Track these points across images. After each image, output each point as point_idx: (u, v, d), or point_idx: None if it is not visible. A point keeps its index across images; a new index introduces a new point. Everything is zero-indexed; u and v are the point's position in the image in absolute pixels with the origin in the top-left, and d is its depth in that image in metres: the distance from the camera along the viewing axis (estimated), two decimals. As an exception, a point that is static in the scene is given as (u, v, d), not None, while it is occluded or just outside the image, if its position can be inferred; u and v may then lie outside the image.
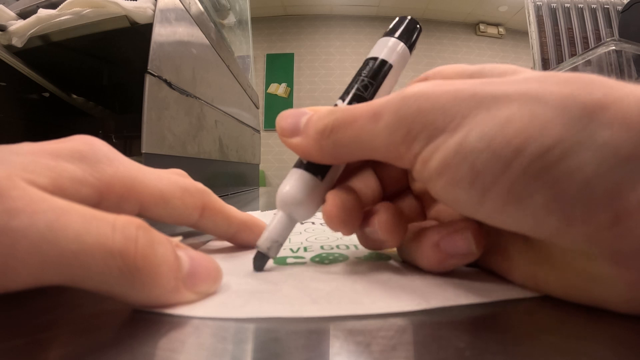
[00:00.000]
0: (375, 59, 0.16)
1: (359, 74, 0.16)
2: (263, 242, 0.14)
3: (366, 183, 0.16)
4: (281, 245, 0.14)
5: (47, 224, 0.09)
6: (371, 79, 0.15)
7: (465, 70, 0.13)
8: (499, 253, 0.13)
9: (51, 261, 0.09)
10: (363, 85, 0.15)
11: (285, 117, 0.14)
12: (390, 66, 0.16)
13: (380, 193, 0.16)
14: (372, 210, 0.14)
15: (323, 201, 0.14)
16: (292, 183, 0.14)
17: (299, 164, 0.15)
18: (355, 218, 0.14)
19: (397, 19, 0.17)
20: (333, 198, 0.14)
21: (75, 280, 0.09)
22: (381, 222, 0.14)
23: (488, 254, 0.13)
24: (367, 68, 0.16)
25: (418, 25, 0.17)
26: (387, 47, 0.16)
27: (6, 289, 0.09)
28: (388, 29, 0.17)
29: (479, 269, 0.14)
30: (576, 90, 0.10)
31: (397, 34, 0.16)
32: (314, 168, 0.14)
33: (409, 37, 0.16)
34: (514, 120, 0.10)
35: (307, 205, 0.14)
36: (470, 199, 0.10)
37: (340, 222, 0.14)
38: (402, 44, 0.16)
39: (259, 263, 0.14)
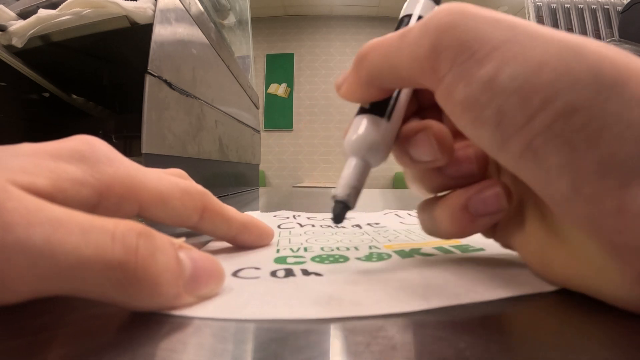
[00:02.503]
0: (409, 15, 0.16)
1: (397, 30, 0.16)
2: (341, 190, 0.13)
3: None
4: (360, 192, 0.14)
5: (44, 238, 0.08)
6: None
7: None
8: (515, 226, 0.13)
9: (49, 275, 0.08)
10: None
11: (339, 76, 0.15)
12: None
13: None
14: (458, 146, 0.14)
15: (391, 140, 0.14)
16: (363, 127, 0.14)
17: (362, 110, 0.14)
18: (453, 145, 0.14)
19: None
20: (436, 124, 0.13)
21: (74, 291, 0.09)
22: (478, 155, 0.14)
23: (506, 226, 0.14)
24: (404, 25, 0.16)
25: None
26: (419, 4, 0.16)
27: (3, 303, 0.08)
28: None
29: (481, 267, 0.14)
30: (614, 53, 0.09)
31: None
32: (378, 110, 0.14)
33: None
34: (547, 67, 0.09)
35: (380, 146, 0.14)
36: (493, 141, 0.10)
37: (449, 145, 0.13)
38: (430, 1, 0.16)
39: (339, 213, 0.13)
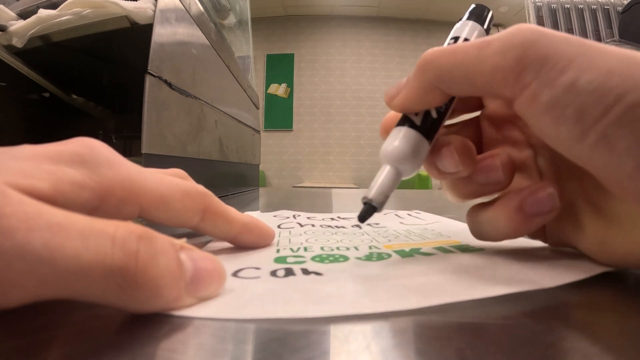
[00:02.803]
0: (457, 38, 0.17)
1: None
2: (373, 194, 0.14)
3: None
4: (388, 198, 0.15)
5: (44, 243, 0.08)
6: None
7: None
8: (570, 223, 0.15)
9: (48, 280, 0.08)
10: None
11: (391, 87, 0.16)
12: None
13: None
14: (484, 156, 0.16)
15: (424, 158, 0.16)
16: (400, 139, 0.15)
17: (403, 122, 0.15)
18: (476, 156, 0.16)
19: (473, 5, 0.18)
20: (457, 139, 0.15)
21: (75, 295, 0.09)
22: (504, 163, 0.16)
23: (560, 225, 0.15)
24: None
25: (491, 12, 0.18)
26: (468, 28, 0.17)
27: (3, 307, 0.08)
28: (465, 16, 0.18)
29: (481, 266, 0.14)
30: None
31: (474, 17, 0.17)
32: (420, 127, 0.15)
33: (484, 20, 0.18)
34: (614, 72, 0.11)
35: (416, 159, 0.15)
36: (570, 136, 0.12)
37: (470, 158, 0.15)
38: (479, 26, 0.17)
39: (365, 215, 0.15)
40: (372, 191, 0.14)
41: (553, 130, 0.12)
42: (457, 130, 0.18)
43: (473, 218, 0.17)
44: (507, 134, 0.18)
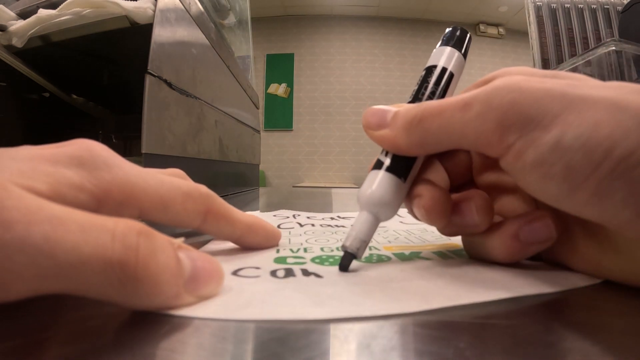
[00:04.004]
0: (435, 66, 0.17)
1: (425, 81, 0.16)
2: (352, 242, 0.14)
3: (439, 176, 0.17)
4: (367, 244, 0.15)
5: (44, 236, 0.08)
6: (435, 85, 0.16)
7: (537, 72, 0.14)
8: (565, 246, 0.14)
9: (48, 273, 0.08)
10: (431, 92, 0.16)
11: (372, 112, 0.15)
12: (452, 73, 0.16)
13: (449, 186, 0.17)
14: (461, 198, 0.15)
15: (403, 200, 0.15)
16: (378, 184, 0.15)
17: (379, 166, 0.15)
18: (449, 208, 0.15)
19: (450, 29, 0.18)
20: (428, 192, 0.15)
21: (74, 289, 0.09)
22: (478, 206, 0.15)
23: (555, 247, 0.14)
24: (433, 75, 0.16)
25: (469, 34, 0.18)
26: (446, 54, 0.17)
27: (2, 301, 0.08)
28: (442, 40, 0.17)
29: (481, 270, 0.14)
30: None
31: (452, 42, 0.17)
32: (396, 169, 0.15)
33: (462, 44, 0.17)
34: (602, 124, 0.10)
35: (392, 205, 0.15)
36: (560, 192, 0.11)
37: (439, 213, 0.15)
38: (457, 51, 0.17)
39: (346, 264, 0.15)
40: (350, 239, 0.14)
41: (540, 187, 0.12)
42: (444, 155, 0.17)
43: (468, 238, 0.17)
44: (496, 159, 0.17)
